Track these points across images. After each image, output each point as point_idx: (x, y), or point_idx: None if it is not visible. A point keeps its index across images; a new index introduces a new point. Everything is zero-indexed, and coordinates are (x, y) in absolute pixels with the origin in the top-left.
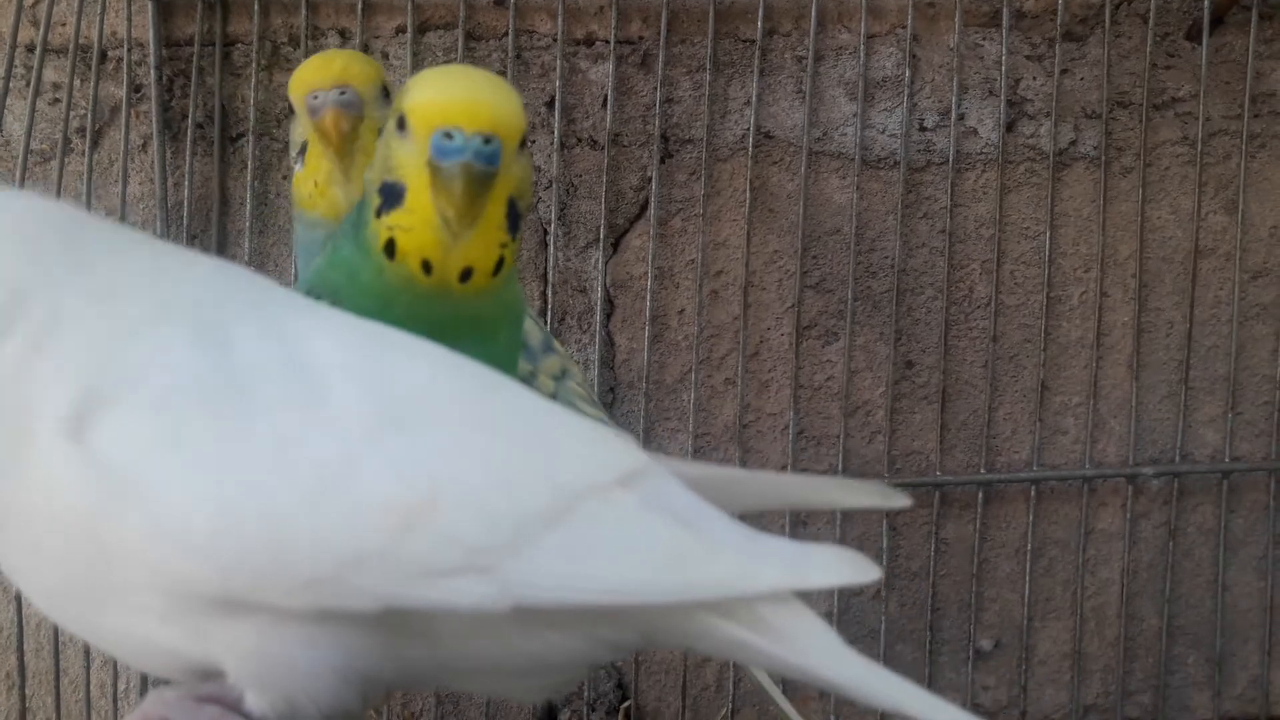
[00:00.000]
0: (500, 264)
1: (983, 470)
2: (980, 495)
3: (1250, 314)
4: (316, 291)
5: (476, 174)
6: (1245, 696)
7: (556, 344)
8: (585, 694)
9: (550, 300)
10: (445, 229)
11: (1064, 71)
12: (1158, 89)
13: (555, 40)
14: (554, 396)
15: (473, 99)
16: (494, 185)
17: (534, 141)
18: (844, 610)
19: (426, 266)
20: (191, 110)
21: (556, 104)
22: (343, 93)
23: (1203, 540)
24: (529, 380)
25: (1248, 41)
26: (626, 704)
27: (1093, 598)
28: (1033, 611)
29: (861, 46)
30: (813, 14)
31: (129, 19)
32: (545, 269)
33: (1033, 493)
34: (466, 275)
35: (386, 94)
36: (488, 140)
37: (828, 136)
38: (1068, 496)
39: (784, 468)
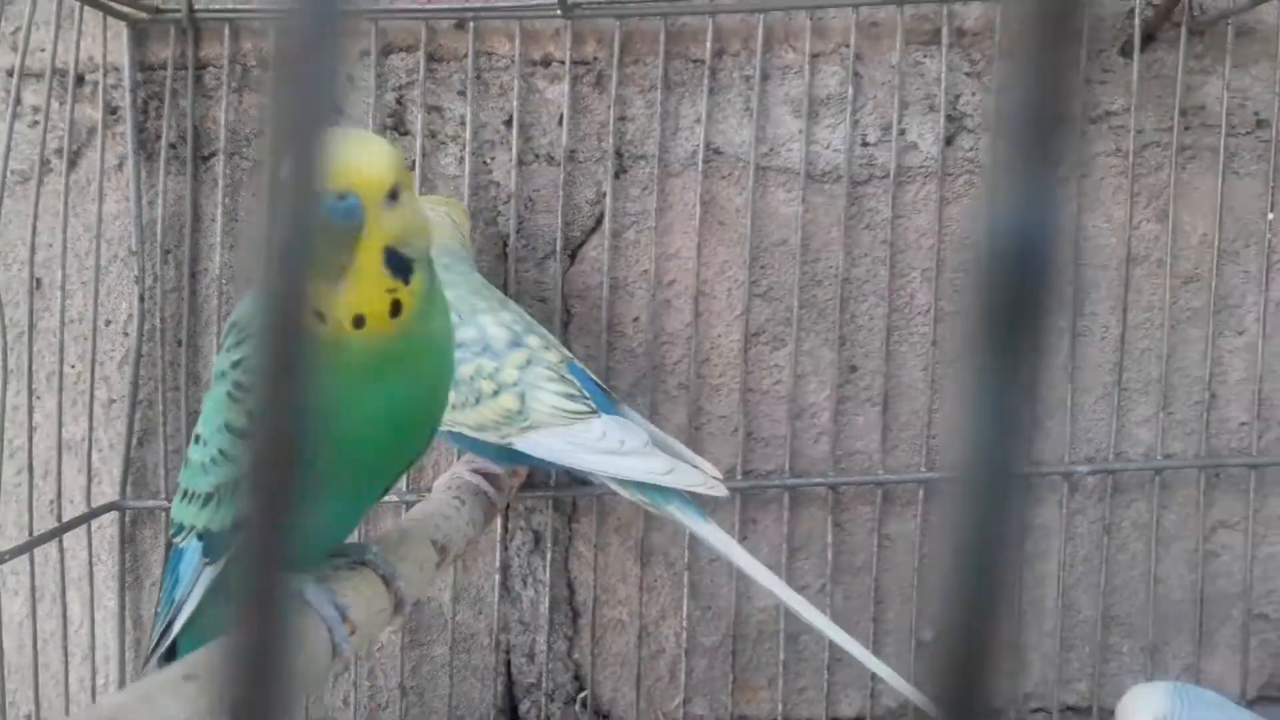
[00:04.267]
0: (396, 307)
1: (923, 469)
2: (921, 493)
3: (1182, 318)
4: (240, 324)
5: (330, 230)
6: (1182, 678)
7: (535, 339)
8: (544, 685)
9: None
10: (323, 282)
11: (1000, 87)
12: (1092, 103)
13: (513, 61)
14: (516, 385)
15: (331, 161)
16: (357, 238)
17: (493, 159)
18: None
19: (320, 316)
20: (165, 131)
21: (514, 122)
22: None
23: (1137, 535)
24: (493, 375)
25: (1178, 57)
26: (583, 694)
27: (1031, 590)
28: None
29: (806, 66)
30: (759, 35)
31: (105, 44)
32: (505, 280)
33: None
34: (359, 322)
35: None
36: (342, 197)
37: (774, 152)
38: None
39: (734, 469)
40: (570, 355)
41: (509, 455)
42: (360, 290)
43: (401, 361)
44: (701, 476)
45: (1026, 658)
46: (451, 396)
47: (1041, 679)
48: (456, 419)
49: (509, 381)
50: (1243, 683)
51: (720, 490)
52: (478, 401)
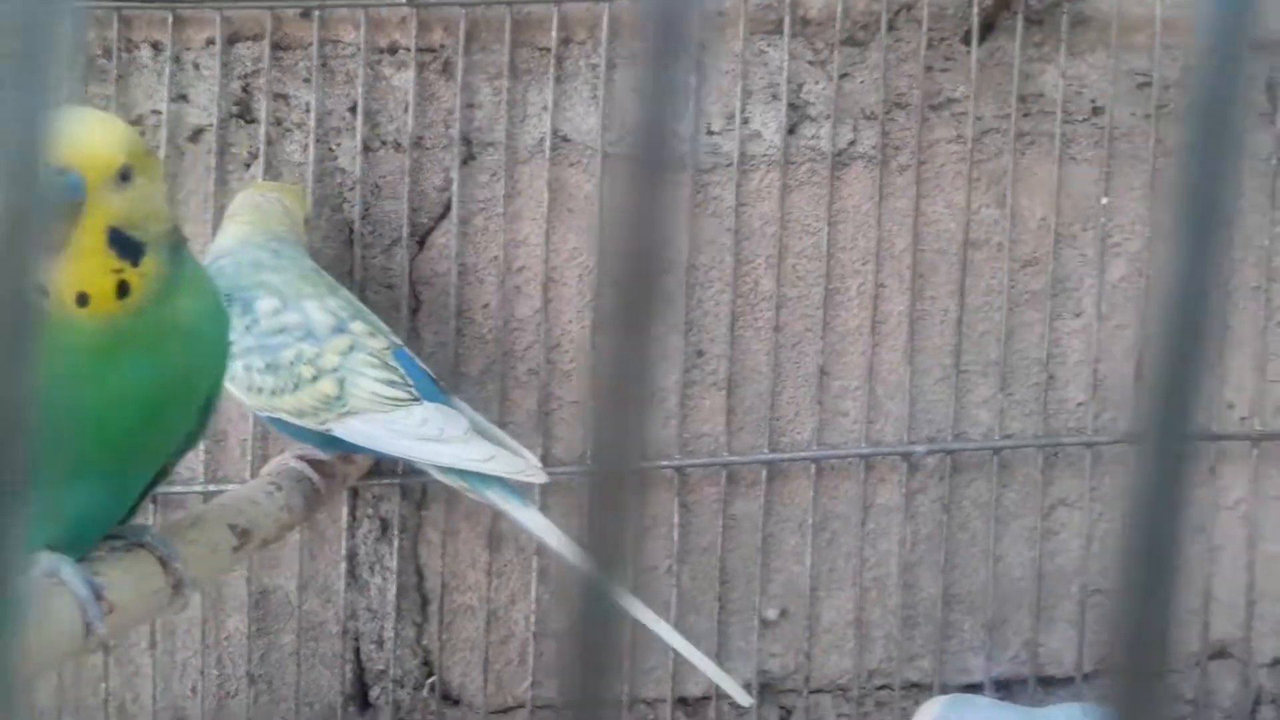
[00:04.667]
0: (124, 288)
1: (767, 450)
2: (765, 474)
3: (1021, 301)
4: None
5: (50, 205)
6: (1019, 659)
7: (361, 325)
8: (392, 671)
9: (358, 297)
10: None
11: (844, 76)
12: (934, 91)
13: (359, 49)
14: (336, 370)
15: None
16: (77, 214)
17: (339, 145)
18: (638, 587)
19: (44, 292)
20: None
21: (359, 109)
22: None
23: (977, 513)
24: (314, 360)
25: (1018, 45)
26: (431, 680)
27: (874, 569)
28: (817, 582)
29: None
30: (604, 24)
31: None
32: (351, 266)
33: (813, 470)
34: (83, 300)
35: None
36: (63, 173)
37: (623, 140)
38: (848, 473)
39: (585, 453)
40: (399, 342)
41: (329, 442)
42: (82, 268)
43: (137, 343)
44: (521, 463)
45: (870, 634)
46: (271, 381)
47: (885, 656)
48: (276, 404)
49: (329, 367)
50: (1079, 657)
51: (539, 477)
52: (297, 387)
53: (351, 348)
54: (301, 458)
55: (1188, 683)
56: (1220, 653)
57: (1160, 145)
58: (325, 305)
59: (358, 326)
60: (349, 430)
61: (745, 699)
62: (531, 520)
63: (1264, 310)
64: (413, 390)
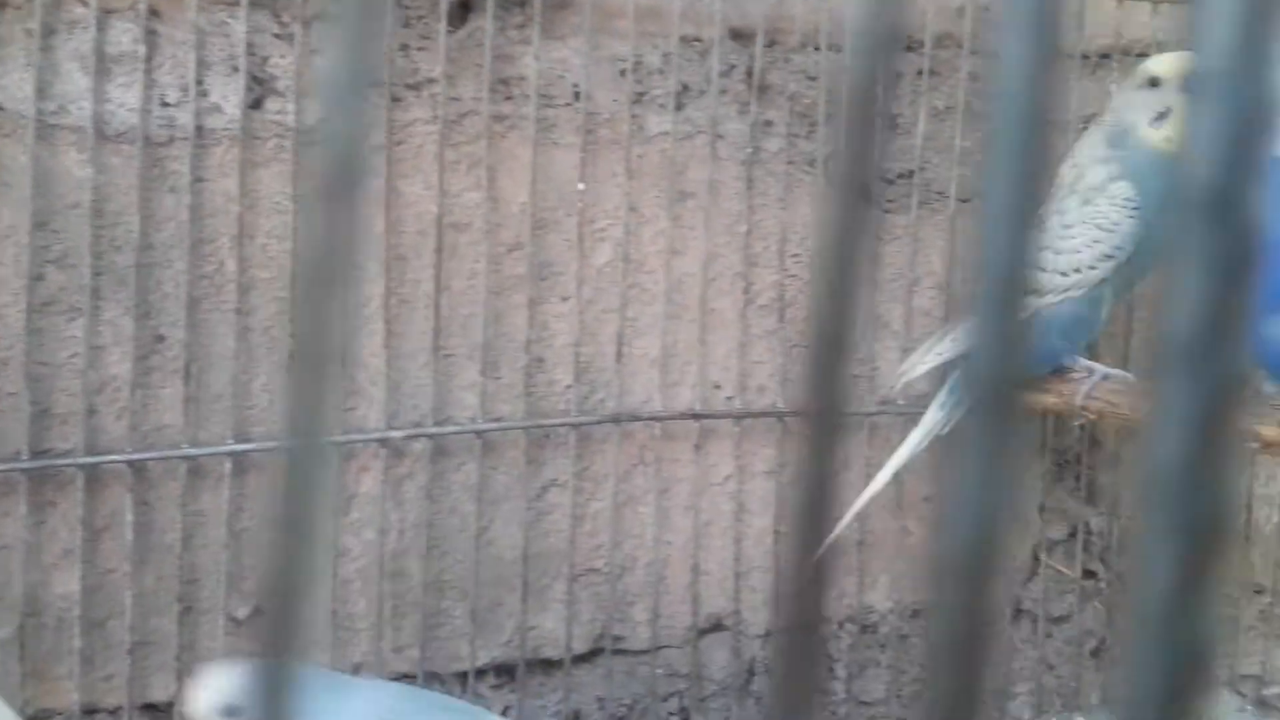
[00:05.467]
0: None
1: (233, 441)
2: (229, 466)
3: (506, 285)
4: None
5: None
6: (512, 643)
7: None
8: None
9: None
10: None
11: (314, 51)
12: (411, 70)
13: None
14: None
15: None
16: None
17: None
18: (95, 588)
19: None
20: None
21: None
22: None
23: (467, 497)
24: None
25: (497, 26)
26: None
27: (358, 559)
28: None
29: (93, 21)
30: None
31: None
32: None
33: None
34: None
35: None
36: None
37: (64, 110)
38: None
39: (20, 450)
40: None
41: None
42: None
43: None
44: None
45: (354, 627)
46: None
47: (371, 648)
48: None
49: None
50: (568, 638)
51: None
52: None
53: None
54: None
55: (683, 657)
56: (715, 626)
57: (640, 132)
58: None
59: None
60: None
61: None
62: None
63: (744, 295)
64: None
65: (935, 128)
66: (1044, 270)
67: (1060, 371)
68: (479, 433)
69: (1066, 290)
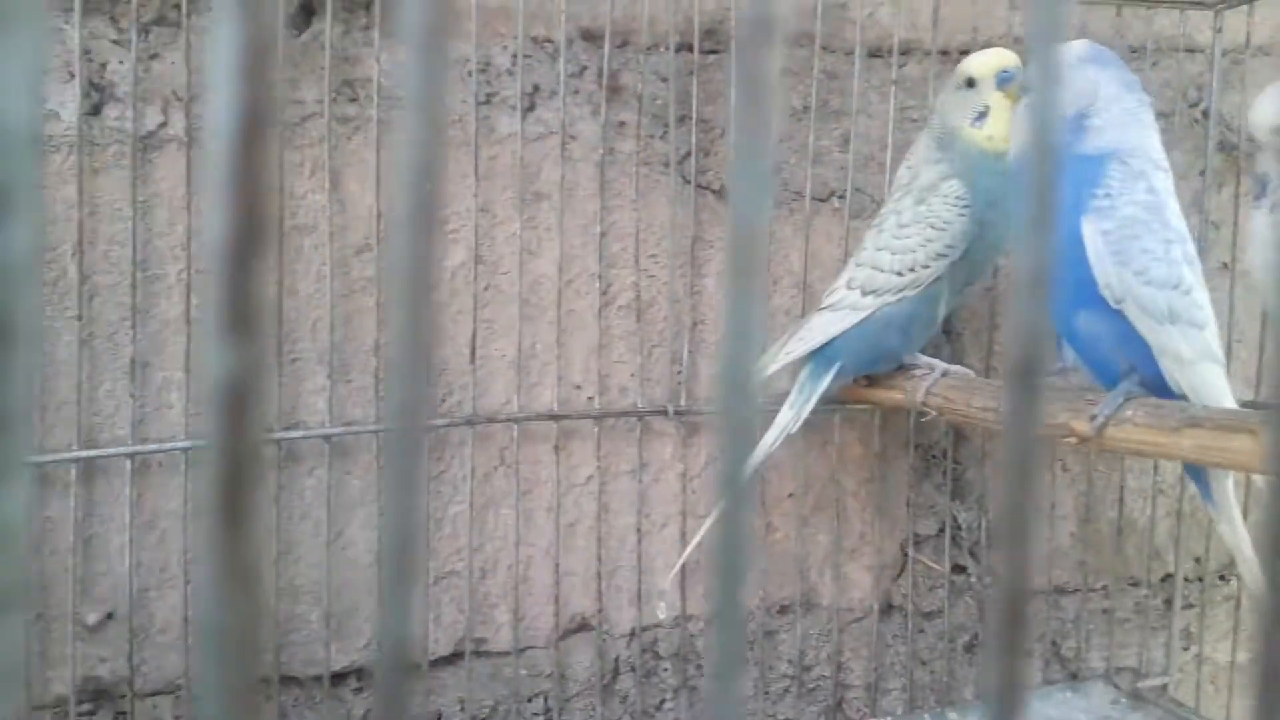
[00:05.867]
0: None
1: (78, 447)
2: (75, 472)
3: (355, 287)
4: None
5: None
6: (371, 647)
7: None
8: None
9: None
10: None
11: (154, 56)
12: None
13: None
14: None
15: None
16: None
17: None
18: None
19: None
20: None
21: None
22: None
23: (319, 502)
24: None
25: (339, 30)
26: None
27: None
28: (148, 582)
29: None
30: None
31: None
32: None
33: (129, 466)
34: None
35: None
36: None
37: None
38: (175, 468)
39: None
40: None
41: None
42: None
43: None
44: None
45: None
46: None
47: None
48: None
49: None
50: (428, 641)
51: None
52: None
53: None
54: None
55: (546, 657)
56: (580, 626)
57: (490, 133)
58: None
59: None
60: None
61: None
62: None
63: (602, 296)
64: None
65: (791, 128)
66: (881, 270)
67: (905, 368)
68: (328, 437)
69: (903, 289)
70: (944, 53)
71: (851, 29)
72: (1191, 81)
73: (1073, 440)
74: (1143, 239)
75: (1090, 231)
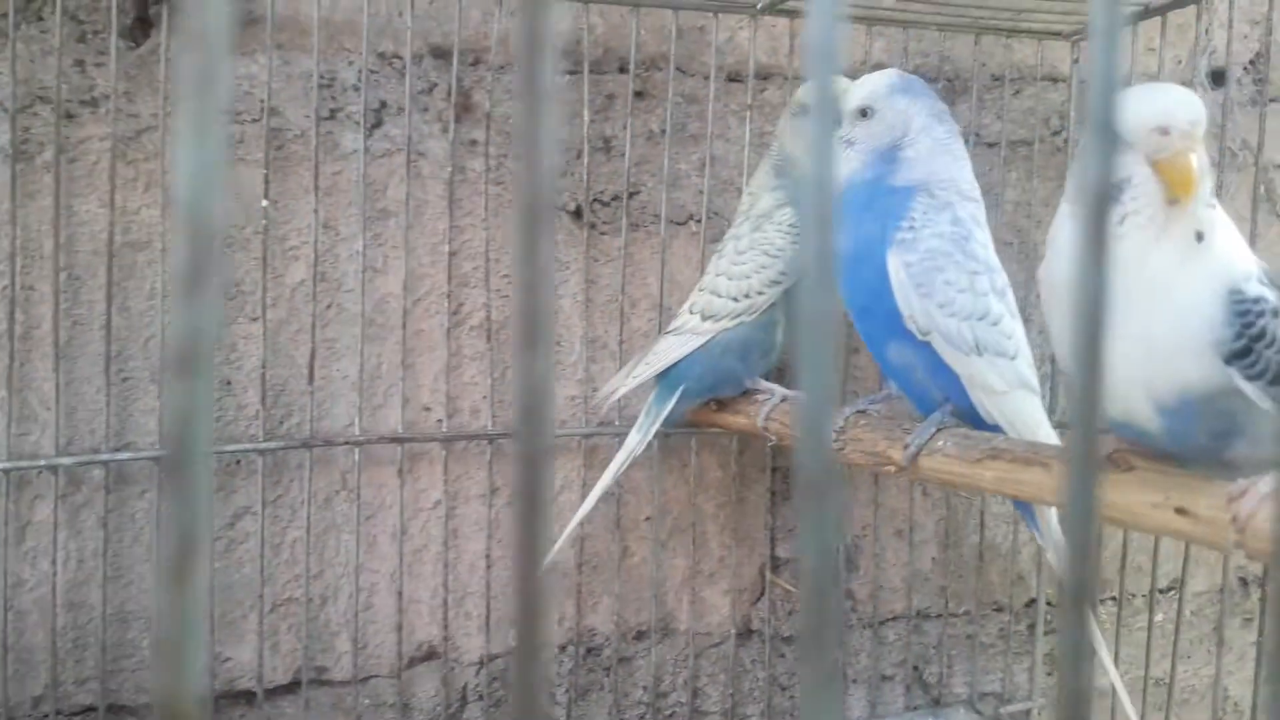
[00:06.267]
0: None
1: None
2: None
3: None
4: None
5: None
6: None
7: None
8: None
9: None
10: None
11: None
12: (87, 86)
13: None
14: None
15: None
16: None
17: None
18: None
19: None
20: None
21: None
22: None
23: (150, 525)
24: None
25: (177, 43)
26: None
27: (33, 590)
28: None
29: None
30: None
31: None
32: None
33: None
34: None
35: None
36: None
37: None
38: None
39: None
40: None
41: None
42: None
43: None
44: None
45: (32, 660)
46: None
47: (49, 680)
48: None
49: None
50: (261, 669)
51: None
52: None
53: None
54: None
55: (390, 686)
56: (426, 655)
57: (334, 149)
58: None
59: None
60: None
61: None
62: None
63: (452, 316)
64: None
65: (647, 150)
66: (719, 295)
67: (749, 393)
68: (158, 459)
69: (739, 315)
70: (801, 79)
71: (710, 53)
72: (1053, 110)
73: (890, 469)
74: (946, 271)
75: (895, 264)
